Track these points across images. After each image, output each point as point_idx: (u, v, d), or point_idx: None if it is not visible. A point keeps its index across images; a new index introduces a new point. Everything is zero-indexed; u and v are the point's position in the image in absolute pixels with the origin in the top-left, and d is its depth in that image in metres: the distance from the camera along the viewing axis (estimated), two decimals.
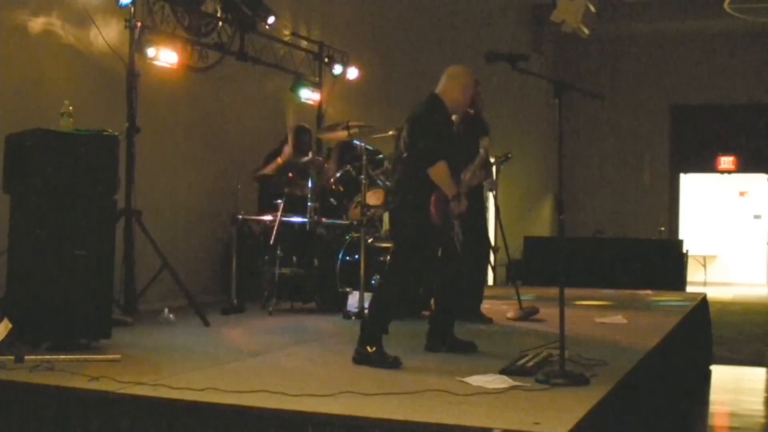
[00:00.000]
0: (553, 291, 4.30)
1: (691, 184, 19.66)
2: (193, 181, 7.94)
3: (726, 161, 19.04)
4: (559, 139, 4.32)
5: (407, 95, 11.04)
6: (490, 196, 7.64)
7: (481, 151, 5.42)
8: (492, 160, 6.60)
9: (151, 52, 6.98)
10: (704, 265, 19.22)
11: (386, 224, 7.12)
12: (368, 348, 4.64)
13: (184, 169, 7.85)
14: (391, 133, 7.01)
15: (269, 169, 7.85)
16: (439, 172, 4.85)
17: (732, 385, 8.07)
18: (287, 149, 7.76)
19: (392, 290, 4.94)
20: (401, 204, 5.03)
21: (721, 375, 8.24)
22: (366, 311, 6.36)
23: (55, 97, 5.57)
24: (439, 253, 5.10)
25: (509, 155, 7.25)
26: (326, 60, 9.52)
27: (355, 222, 7.12)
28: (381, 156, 7.41)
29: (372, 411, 3.43)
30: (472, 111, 6.50)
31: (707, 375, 8.07)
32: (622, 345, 5.55)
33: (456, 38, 13.53)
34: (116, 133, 5.19)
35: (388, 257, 6.67)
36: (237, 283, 7.17)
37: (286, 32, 9.19)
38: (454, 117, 5.27)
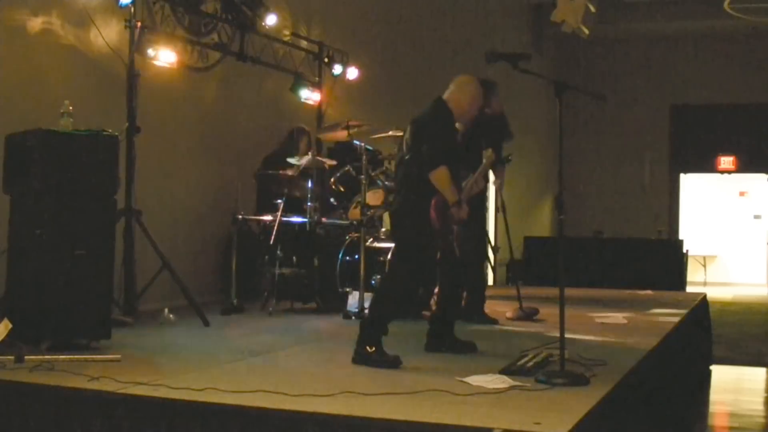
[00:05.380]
0: (554, 291, 4.29)
1: (691, 184, 19.66)
2: (193, 181, 7.94)
3: (726, 161, 19.04)
4: (559, 138, 4.31)
5: (407, 95, 11.08)
6: (491, 195, 7.64)
7: (484, 160, 5.39)
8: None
9: (151, 52, 6.97)
10: (704, 265, 19.22)
11: (386, 224, 7.11)
12: (368, 348, 4.64)
13: (184, 169, 7.85)
14: (391, 133, 7.01)
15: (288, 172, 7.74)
16: (440, 176, 4.84)
17: (732, 385, 8.07)
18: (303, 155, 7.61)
19: (392, 291, 4.94)
20: (402, 205, 5.03)
21: (721, 375, 8.24)
22: (366, 311, 6.38)
23: (55, 97, 5.56)
24: (438, 256, 5.11)
25: (509, 158, 7.26)
26: (326, 60, 9.51)
27: (355, 222, 7.12)
28: (381, 156, 7.41)
29: (372, 411, 3.43)
30: (488, 111, 6.50)
31: (707, 375, 8.07)
32: (622, 345, 5.55)
33: (456, 38, 13.53)
34: (116, 133, 5.19)
35: (389, 257, 6.68)
36: (237, 283, 7.17)
37: (286, 32, 9.19)
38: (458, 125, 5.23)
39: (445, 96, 5.08)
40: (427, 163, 4.85)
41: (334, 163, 7.56)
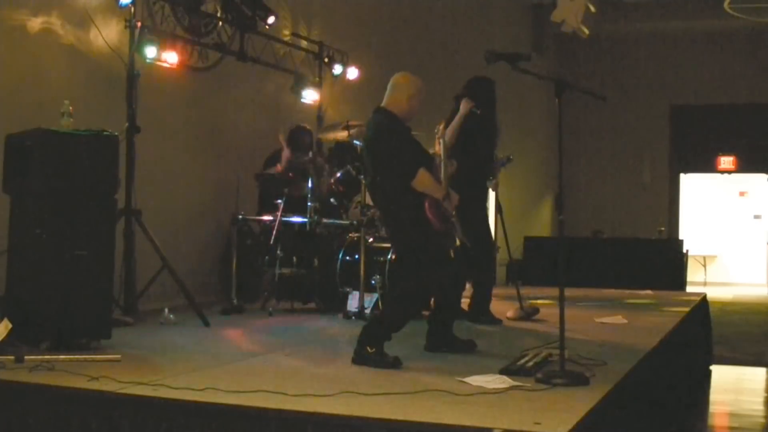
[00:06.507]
0: (554, 291, 4.29)
1: (691, 184, 19.66)
2: (193, 181, 7.94)
3: (726, 161, 19.04)
4: (559, 139, 4.31)
5: None
6: (492, 196, 7.64)
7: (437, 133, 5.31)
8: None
9: (151, 52, 6.97)
10: (704, 265, 19.22)
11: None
12: (368, 348, 4.63)
13: (184, 169, 7.85)
14: None
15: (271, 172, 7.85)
16: (422, 180, 4.83)
17: (732, 385, 8.07)
18: (285, 154, 7.74)
19: (409, 305, 4.91)
20: (398, 226, 4.97)
21: (721, 375, 8.23)
22: (371, 314, 6.38)
23: (55, 97, 5.56)
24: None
25: (510, 158, 7.25)
26: (326, 60, 9.52)
27: (355, 222, 7.12)
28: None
29: (372, 411, 3.43)
30: (479, 111, 6.47)
31: (707, 375, 8.07)
32: (622, 345, 5.55)
33: (456, 38, 13.53)
34: (116, 133, 5.19)
35: (392, 263, 6.67)
36: (237, 283, 7.17)
37: (286, 32, 9.20)
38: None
39: (384, 103, 5.03)
40: (404, 176, 4.82)
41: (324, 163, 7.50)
